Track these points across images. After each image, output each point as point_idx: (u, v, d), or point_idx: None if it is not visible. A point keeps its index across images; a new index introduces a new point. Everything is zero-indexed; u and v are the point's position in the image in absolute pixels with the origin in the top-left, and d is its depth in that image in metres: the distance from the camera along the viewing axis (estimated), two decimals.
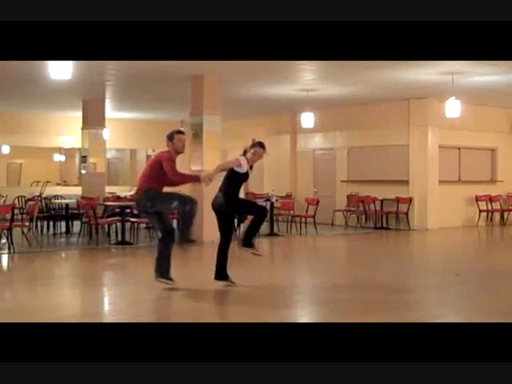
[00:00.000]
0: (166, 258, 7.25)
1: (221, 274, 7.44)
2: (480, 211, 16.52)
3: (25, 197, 15.11)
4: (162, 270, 7.24)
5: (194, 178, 7.88)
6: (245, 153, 7.38)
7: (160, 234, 7.45)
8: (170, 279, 7.25)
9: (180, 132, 7.31)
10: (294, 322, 6.06)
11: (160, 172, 7.15)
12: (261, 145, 7.40)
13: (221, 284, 7.41)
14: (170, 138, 7.22)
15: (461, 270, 9.06)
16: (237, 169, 7.22)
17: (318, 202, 14.74)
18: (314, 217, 14.46)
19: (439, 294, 7.50)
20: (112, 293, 7.82)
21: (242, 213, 7.49)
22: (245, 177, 7.37)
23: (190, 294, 7.30)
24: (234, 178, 7.30)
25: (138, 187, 7.37)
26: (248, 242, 7.46)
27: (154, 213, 7.29)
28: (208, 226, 12.18)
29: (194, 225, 7.40)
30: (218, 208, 7.38)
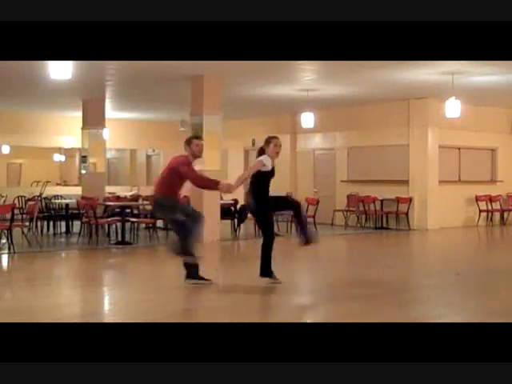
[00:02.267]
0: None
1: (265, 270, 7.54)
2: (480, 211, 16.52)
3: (25, 197, 15.11)
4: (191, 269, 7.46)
5: (214, 184, 7.86)
6: (261, 152, 7.53)
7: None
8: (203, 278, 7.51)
9: (197, 137, 7.68)
10: (292, 322, 6.05)
11: (175, 177, 7.39)
12: (274, 136, 7.67)
13: (265, 280, 7.53)
14: (188, 142, 7.56)
15: (461, 269, 9.06)
16: (263, 169, 7.39)
17: (318, 202, 14.74)
18: (313, 217, 14.45)
19: (439, 294, 7.49)
20: (112, 293, 7.82)
21: (276, 210, 7.96)
22: (271, 174, 7.51)
23: (189, 294, 7.31)
24: (261, 179, 7.44)
25: (154, 191, 7.67)
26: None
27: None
28: (208, 227, 12.21)
29: (196, 241, 7.54)
30: (252, 212, 7.74)
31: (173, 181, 7.43)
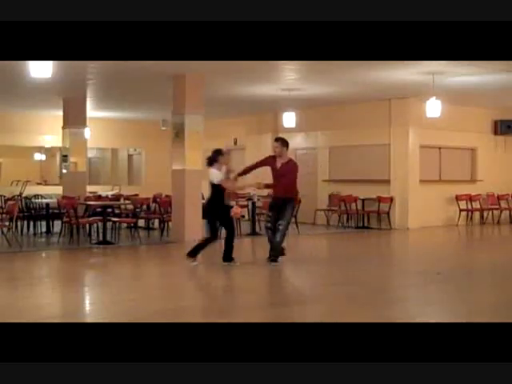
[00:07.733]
0: None
1: (227, 256, 9.10)
2: (460, 210, 16.64)
3: (4, 196, 14.97)
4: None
5: None
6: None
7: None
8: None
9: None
10: (274, 321, 6.06)
11: None
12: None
13: (226, 264, 9.01)
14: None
15: (441, 269, 9.12)
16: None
17: (299, 202, 14.73)
18: (295, 216, 14.46)
19: (419, 293, 7.54)
20: (92, 293, 7.79)
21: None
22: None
23: (170, 294, 7.30)
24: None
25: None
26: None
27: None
28: (189, 226, 12.19)
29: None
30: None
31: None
